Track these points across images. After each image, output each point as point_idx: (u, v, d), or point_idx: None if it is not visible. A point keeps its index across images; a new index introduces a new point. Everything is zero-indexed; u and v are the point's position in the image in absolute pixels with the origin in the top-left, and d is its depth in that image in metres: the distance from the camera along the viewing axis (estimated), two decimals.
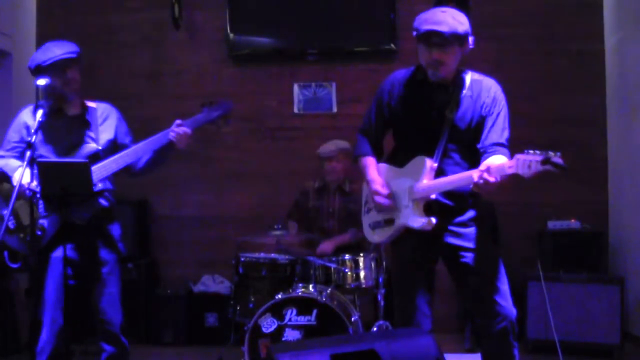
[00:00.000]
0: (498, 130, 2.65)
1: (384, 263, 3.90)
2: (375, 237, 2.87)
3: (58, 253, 2.81)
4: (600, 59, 5.07)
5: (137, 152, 2.96)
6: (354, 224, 4.49)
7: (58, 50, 2.91)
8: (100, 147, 2.97)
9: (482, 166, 2.44)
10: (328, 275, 3.91)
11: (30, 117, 2.97)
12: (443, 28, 2.53)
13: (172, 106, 5.23)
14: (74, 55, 2.94)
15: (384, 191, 2.74)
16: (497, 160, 2.50)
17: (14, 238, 2.80)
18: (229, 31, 5.21)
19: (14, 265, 2.81)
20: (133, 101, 5.28)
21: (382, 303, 3.84)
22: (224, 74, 5.33)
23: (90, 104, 3.09)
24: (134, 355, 3.89)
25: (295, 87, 5.30)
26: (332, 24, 5.17)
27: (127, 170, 3.04)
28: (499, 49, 5.09)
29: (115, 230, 3.08)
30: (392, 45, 5.11)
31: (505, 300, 2.67)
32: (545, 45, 5.11)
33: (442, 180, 2.60)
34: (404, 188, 2.69)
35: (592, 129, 5.05)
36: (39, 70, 2.89)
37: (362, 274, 3.91)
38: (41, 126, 2.84)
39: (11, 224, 2.79)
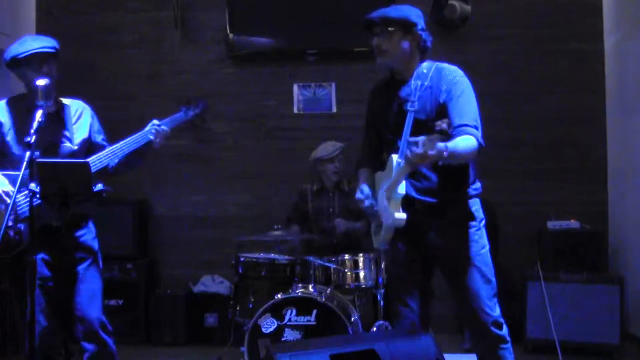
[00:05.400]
0: (460, 112, 2.58)
1: (383, 263, 3.90)
2: (375, 242, 2.88)
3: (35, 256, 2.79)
4: (599, 59, 5.06)
5: (116, 152, 2.92)
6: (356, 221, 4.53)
7: (35, 43, 2.85)
8: (75, 147, 2.93)
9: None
10: (328, 276, 3.91)
11: (3, 113, 2.93)
12: (373, 14, 2.67)
13: (172, 106, 5.22)
14: (51, 50, 2.86)
15: (360, 197, 2.77)
16: (456, 140, 2.44)
17: None
18: (228, 31, 5.20)
19: None
20: (133, 101, 5.28)
21: (381, 303, 3.84)
22: (223, 74, 5.33)
23: (64, 100, 3.04)
24: (134, 355, 3.89)
25: (295, 87, 5.30)
26: (332, 24, 5.16)
27: (103, 171, 2.96)
28: (499, 49, 5.09)
29: (90, 227, 3.05)
30: None
31: (482, 305, 2.63)
32: (545, 45, 5.10)
33: (394, 172, 2.55)
34: (383, 190, 2.70)
35: (591, 128, 5.05)
36: (14, 63, 2.84)
37: (361, 274, 3.91)
38: (14, 123, 2.81)
39: None
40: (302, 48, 5.24)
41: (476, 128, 2.55)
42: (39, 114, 2.61)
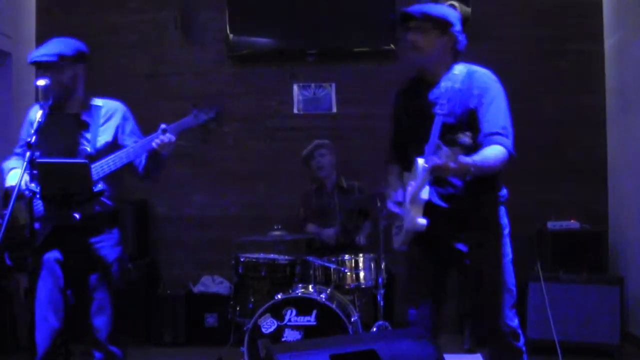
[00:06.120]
0: (490, 120, 2.53)
1: (383, 264, 3.90)
2: (395, 243, 2.86)
3: (51, 255, 2.78)
4: (599, 59, 5.07)
5: (122, 157, 2.83)
6: (356, 220, 4.53)
7: (43, 49, 2.81)
8: (93, 151, 2.87)
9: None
10: (328, 276, 3.91)
11: (35, 116, 2.94)
12: (412, 8, 2.61)
13: (172, 106, 5.24)
14: (51, 59, 2.79)
15: (393, 198, 2.75)
16: (484, 152, 2.43)
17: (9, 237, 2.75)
18: (228, 31, 5.21)
19: (10, 263, 2.77)
20: (133, 101, 5.24)
21: (381, 303, 3.85)
22: (223, 74, 5.33)
23: (97, 101, 2.99)
24: (134, 355, 3.88)
25: (295, 88, 5.30)
26: (332, 24, 5.17)
27: (131, 173, 2.95)
28: (499, 49, 5.09)
29: (112, 233, 2.97)
30: (392, 46, 5.10)
31: (501, 315, 2.60)
32: (545, 45, 5.11)
33: (418, 176, 2.52)
34: (407, 192, 2.67)
35: (591, 129, 5.05)
36: (37, 66, 2.85)
37: (361, 274, 3.92)
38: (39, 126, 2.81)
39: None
40: (302, 48, 5.24)
41: (507, 136, 2.50)
42: (39, 114, 2.61)
